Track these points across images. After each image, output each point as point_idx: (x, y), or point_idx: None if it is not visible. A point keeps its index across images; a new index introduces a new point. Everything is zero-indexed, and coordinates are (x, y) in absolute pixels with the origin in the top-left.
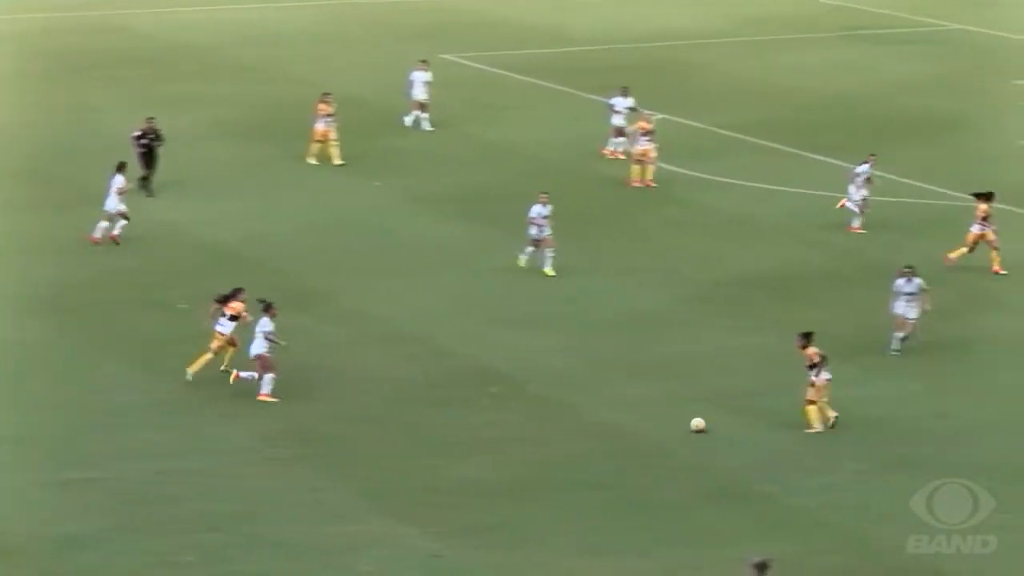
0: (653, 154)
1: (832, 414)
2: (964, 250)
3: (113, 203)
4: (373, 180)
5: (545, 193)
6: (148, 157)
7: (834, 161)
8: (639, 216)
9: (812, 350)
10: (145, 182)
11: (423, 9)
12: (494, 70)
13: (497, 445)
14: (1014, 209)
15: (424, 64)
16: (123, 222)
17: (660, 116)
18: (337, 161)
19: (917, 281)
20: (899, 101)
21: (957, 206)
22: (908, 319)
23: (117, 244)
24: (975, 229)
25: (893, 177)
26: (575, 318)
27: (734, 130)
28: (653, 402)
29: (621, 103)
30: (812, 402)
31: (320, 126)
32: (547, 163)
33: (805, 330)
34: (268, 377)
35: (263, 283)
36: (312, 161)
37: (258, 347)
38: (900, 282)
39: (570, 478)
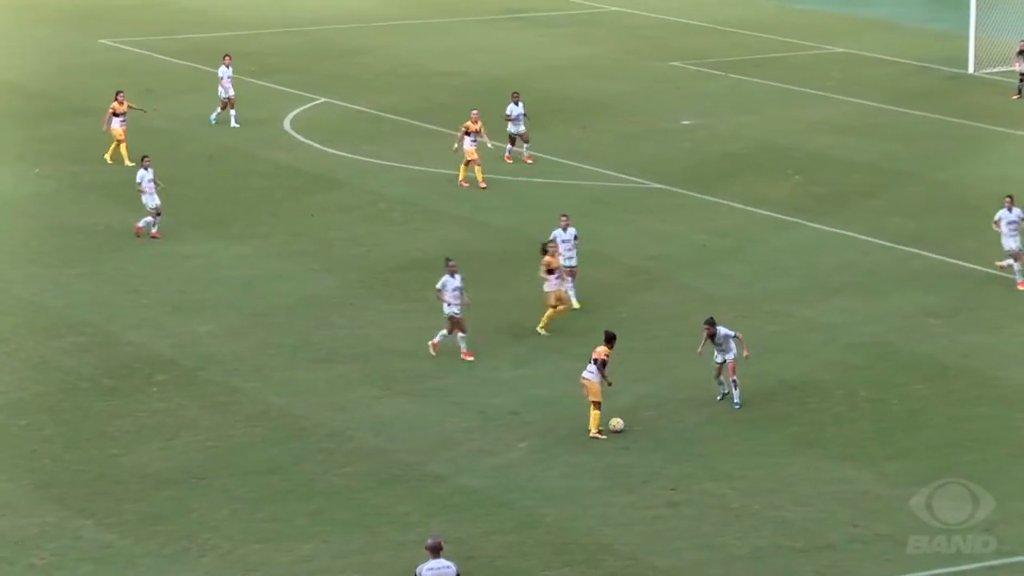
0: (476, 155)
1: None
2: None
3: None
4: (34, 168)
5: (565, 216)
6: None
7: (498, 144)
8: (304, 200)
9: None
10: None
11: None
12: (154, 55)
13: (168, 433)
14: (680, 191)
15: (228, 59)
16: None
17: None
18: (128, 162)
19: (723, 331)
20: (560, 83)
21: (618, 187)
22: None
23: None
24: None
25: (555, 159)
26: (245, 303)
27: (396, 113)
28: (326, 386)
29: (514, 110)
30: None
31: (117, 126)
32: (211, 148)
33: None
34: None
35: None
36: (109, 161)
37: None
38: (720, 332)
39: (243, 464)
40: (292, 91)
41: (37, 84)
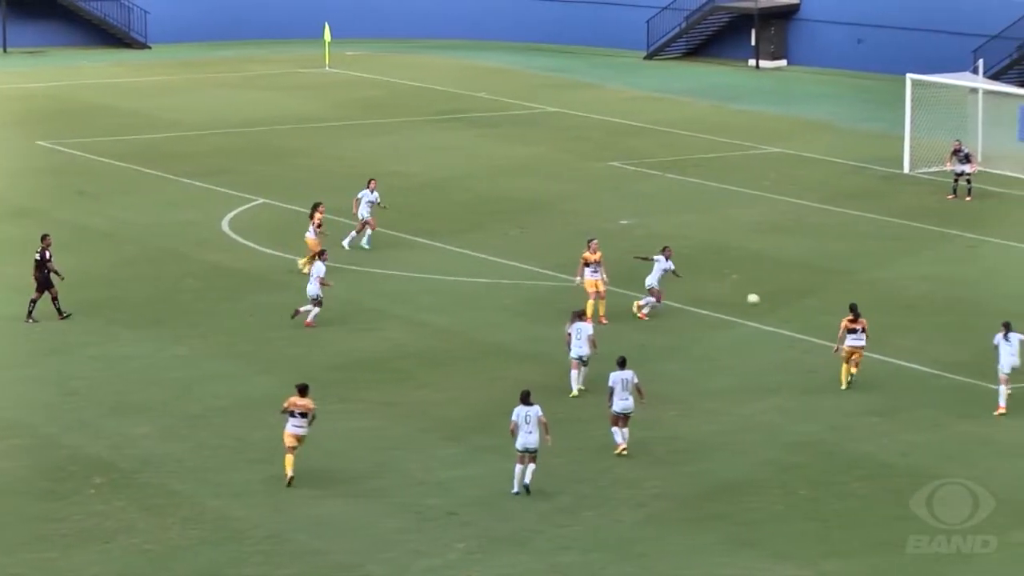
0: (603, 287)
1: None
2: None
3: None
4: None
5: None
6: None
7: (456, 249)
8: (240, 301)
9: None
10: None
11: (13, 96)
12: (92, 157)
13: (104, 536)
14: (619, 290)
15: (372, 182)
16: (316, 309)
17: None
18: (302, 267)
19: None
20: (499, 183)
21: (556, 286)
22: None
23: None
24: None
25: (492, 258)
26: (182, 405)
27: (335, 214)
28: (264, 488)
29: (662, 264)
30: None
31: (311, 236)
32: (148, 248)
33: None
34: None
35: None
36: (304, 270)
37: None
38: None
39: (180, 567)
40: (230, 192)
41: None
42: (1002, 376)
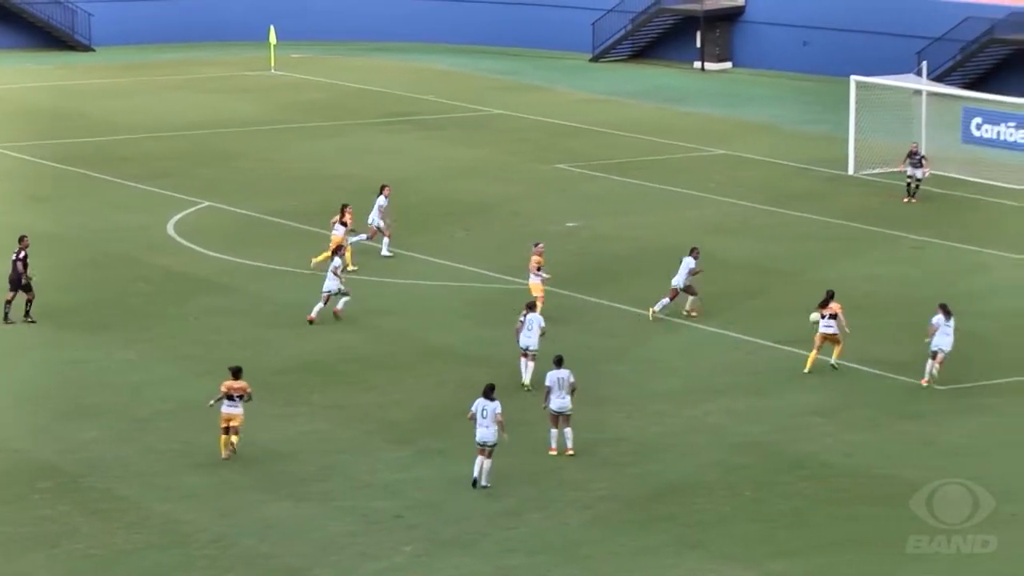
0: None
1: None
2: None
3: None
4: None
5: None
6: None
7: (403, 252)
8: (190, 305)
9: None
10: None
11: None
12: (38, 160)
13: (50, 541)
14: (565, 292)
15: (386, 188)
16: (345, 299)
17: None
18: (352, 267)
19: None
20: (445, 185)
21: (502, 288)
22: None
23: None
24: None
25: (439, 260)
26: (130, 409)
27: (281, 216)
28: (210, 492)
29: (689, 262)
30: None
31: (339, 234)
32: (95, 252)
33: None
34: None
35: None
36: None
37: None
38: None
39: (125, 572)
40: (174, 195)
41: None
42: (940, 356)
